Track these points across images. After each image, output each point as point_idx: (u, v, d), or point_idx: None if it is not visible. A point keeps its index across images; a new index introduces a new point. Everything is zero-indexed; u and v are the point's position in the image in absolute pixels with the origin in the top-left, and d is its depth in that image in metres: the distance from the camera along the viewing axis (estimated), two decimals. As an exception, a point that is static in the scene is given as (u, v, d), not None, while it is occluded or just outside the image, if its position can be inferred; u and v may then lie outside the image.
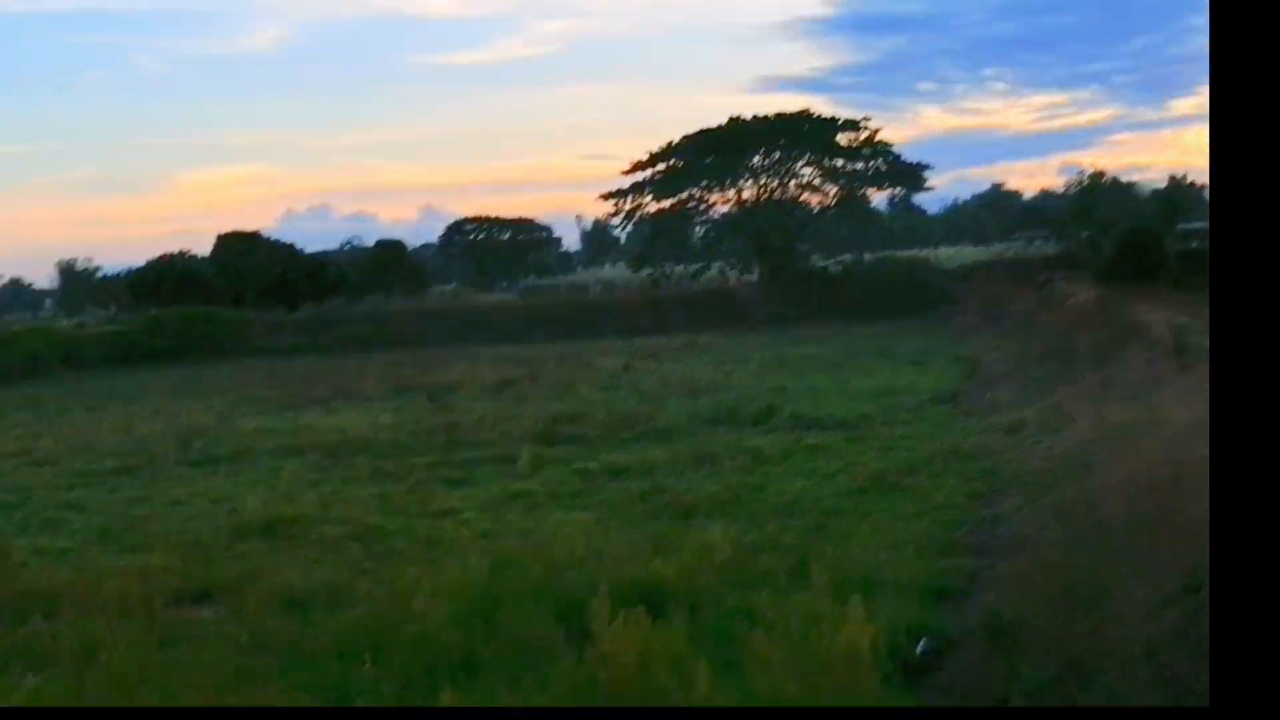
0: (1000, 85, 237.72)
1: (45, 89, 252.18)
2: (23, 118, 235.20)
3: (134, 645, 14.89)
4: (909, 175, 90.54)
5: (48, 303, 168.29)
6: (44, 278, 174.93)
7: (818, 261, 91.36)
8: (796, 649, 12.49)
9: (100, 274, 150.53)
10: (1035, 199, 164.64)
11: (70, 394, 57.59)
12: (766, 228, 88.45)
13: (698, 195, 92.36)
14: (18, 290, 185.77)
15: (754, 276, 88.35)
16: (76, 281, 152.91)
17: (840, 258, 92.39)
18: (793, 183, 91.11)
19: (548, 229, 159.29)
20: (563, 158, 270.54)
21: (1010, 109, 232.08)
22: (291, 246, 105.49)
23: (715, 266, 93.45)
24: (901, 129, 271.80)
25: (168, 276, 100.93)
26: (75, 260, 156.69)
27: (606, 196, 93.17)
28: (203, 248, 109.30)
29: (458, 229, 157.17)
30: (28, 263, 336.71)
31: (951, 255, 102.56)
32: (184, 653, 15.02)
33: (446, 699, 11.73)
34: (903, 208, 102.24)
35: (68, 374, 68.60)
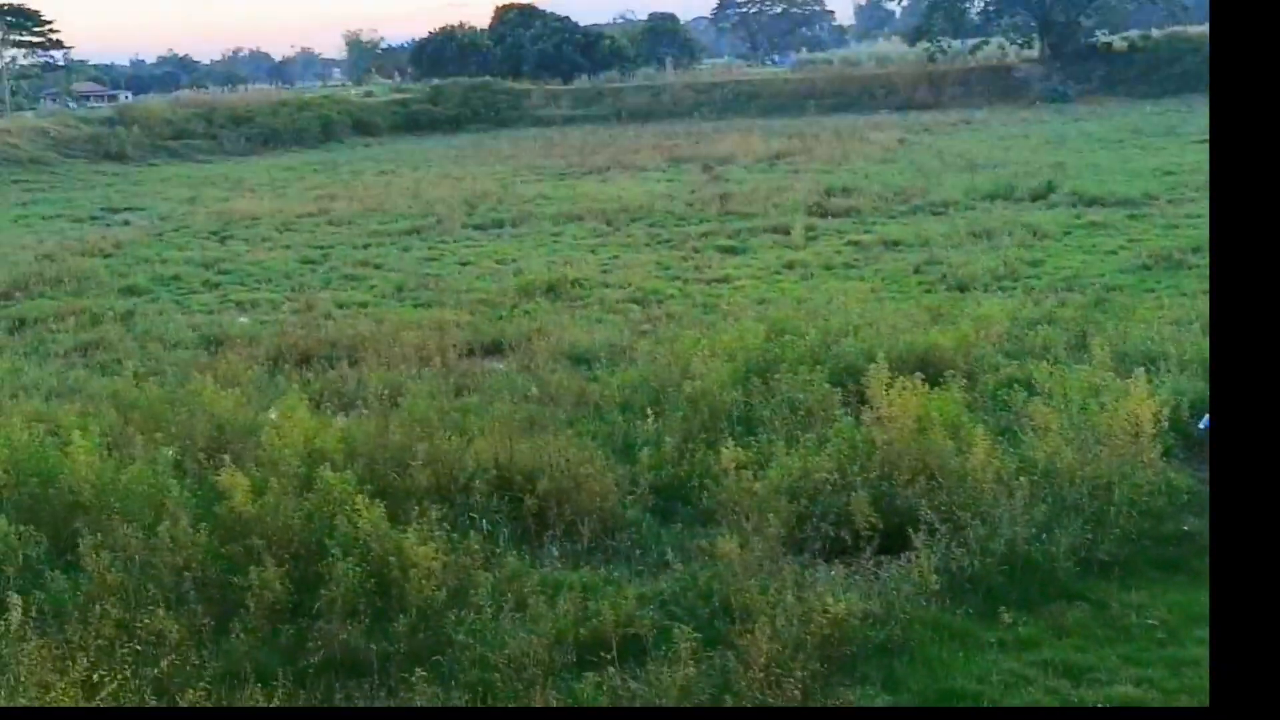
0: None
1: None
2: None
3: (432, 392, 15.77)
4: None
5: (335, 72, 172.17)
6: (331, 48, 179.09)
7: (1102, 37, 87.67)
8: (1075, 419, 12.48)
9: (384, 44, 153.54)
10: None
11: (361, 158, 59.94)
12: (1049, 1, 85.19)
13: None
14: (307, 59, 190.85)
15: (1034, 52, 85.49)
16: (362, 51, 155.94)
17: (1126, 33, 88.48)
18: None
19: (820, 2, 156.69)
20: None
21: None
22: (567, 18, 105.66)
23: (994, 41, 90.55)
24: None
25: (448, 47, 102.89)
26: (360, 31, 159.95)
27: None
28: (481, 20, 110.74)
29: (729, 2, 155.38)
30: (316, 32, 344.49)
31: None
32: (478, 400, 15.77)
33: (726, 453, 12.07)
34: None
35: (358, 139, 71.02)
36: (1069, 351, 16.17)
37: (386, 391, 15.70)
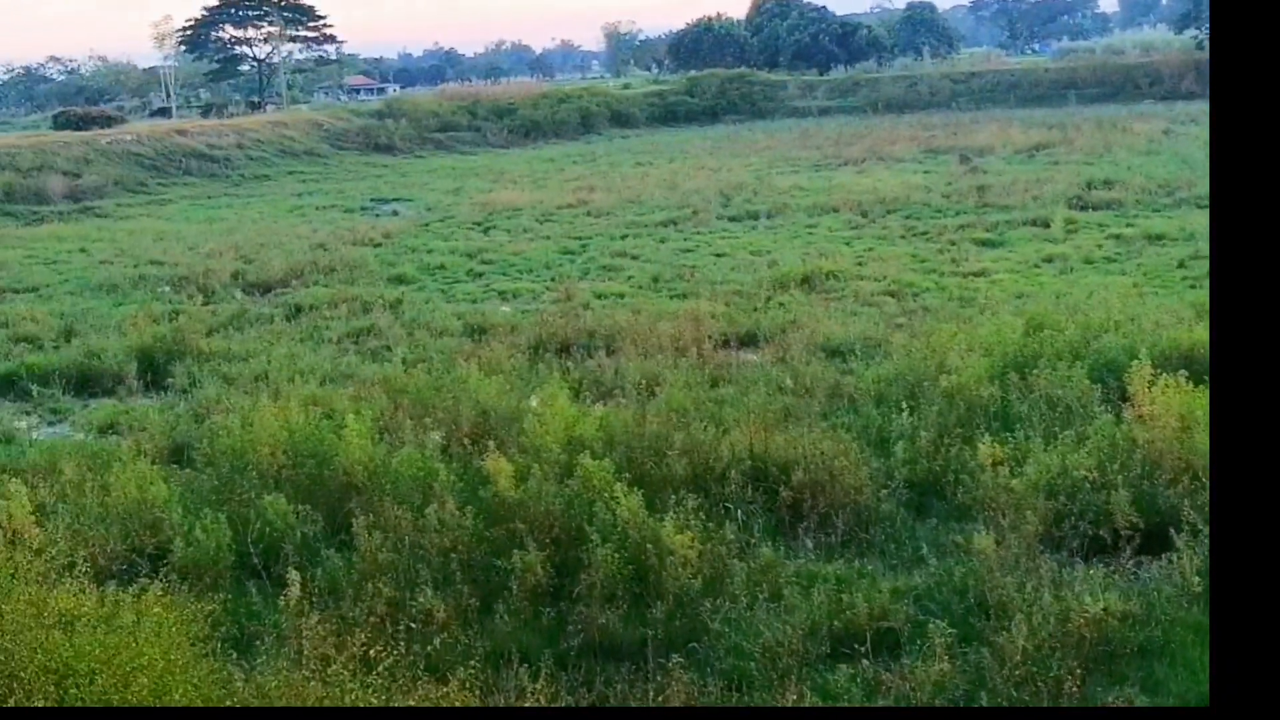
0: None
1: None
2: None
3: (689, 383, 15.94)
4: None
5: (594, 64, 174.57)
6: (590, 40, 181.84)
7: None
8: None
9: (641, 36, 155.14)
10: None
11: (618, 150, 60.90)
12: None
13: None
14: (567, 52, 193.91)
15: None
16: (620, 43, 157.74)
17: None
18: None
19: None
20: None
21: None
22: (823, 9, 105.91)
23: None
24: None
25: (705, 39, 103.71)
26: (618, 23, 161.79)
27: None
28: (738, 11, 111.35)
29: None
30: (575, 24, 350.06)
31: None
32: (733, 392, 15.87)
33: (983, 448, 12.07)
34: None
35: (615, 131, 72.12)
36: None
37: (644, 381, 16.01)
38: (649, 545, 10.42)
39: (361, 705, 7.75)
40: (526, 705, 8.54)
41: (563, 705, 8.83)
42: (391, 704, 7.98)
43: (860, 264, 25.76)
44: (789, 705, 8.53)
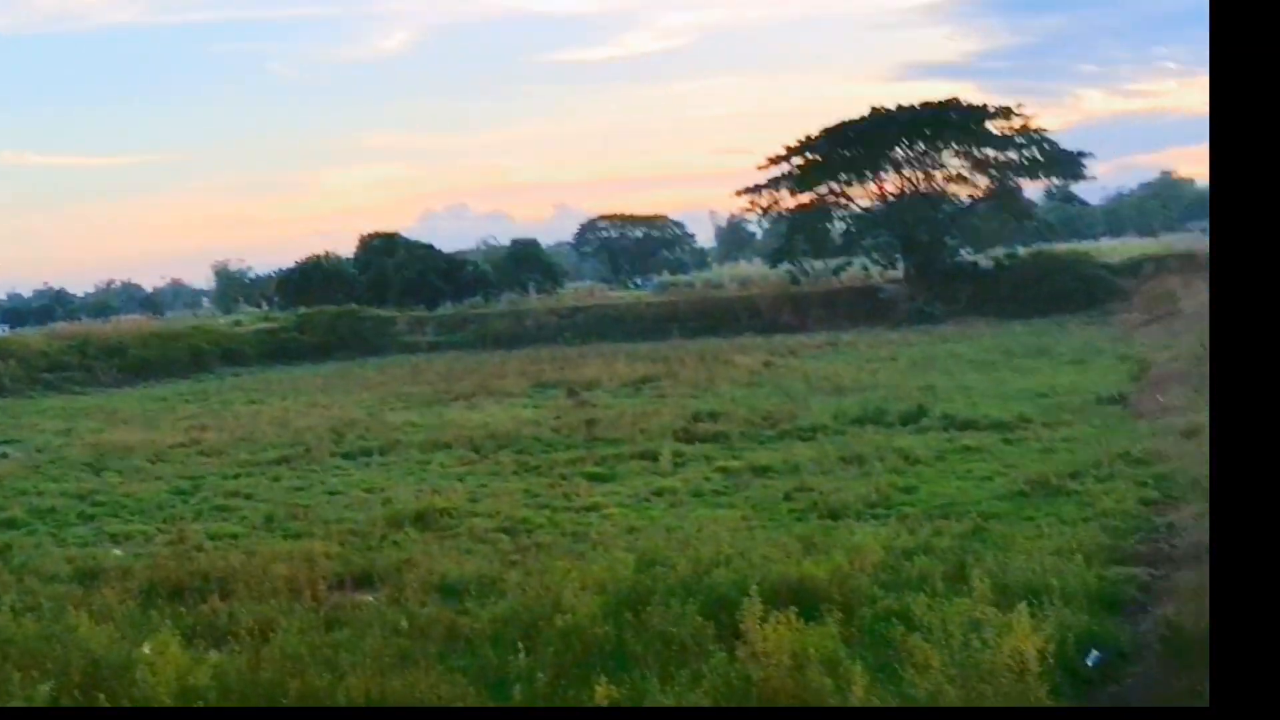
0: (1172, 64, 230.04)
1: (193, 98, 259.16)
2: (171, 126, 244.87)
3: (303, 627, 15.40)
4: (1067, 164, 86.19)
5: (205, 301, 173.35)
6: (200, 278, 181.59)
7: (967, 256, 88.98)
8: (957, 655, 12.13)
9: (251, 274, 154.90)
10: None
11: (230, 387, 60.10)
12: (911, 221, 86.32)
13: (838, 189, 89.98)
14: (177, 290, 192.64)
15: (899, 272, 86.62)
16: (230, 281, 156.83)
17: (992, 252, 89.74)
18: (939, 174, 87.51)
19: (681, 225, 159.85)
20: (696, 154, 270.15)
21: (1183, 89, 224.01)
22: (430, 246, 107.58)
23: (857, 262, 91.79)
24: (1060, 114, 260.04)
25: (314, 276, 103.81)
26: (228, 261, 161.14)
27: (742, 192, 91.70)
28: (346, 248, 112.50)
29: (591, 227, 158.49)
30: (185, 264, 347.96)
31: (1115, 248, 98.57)
32: (349, 635, 15.37)
33: (601, 691, 11.78)
34: (1061, 199, 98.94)
35: (227, 368, 71.08)
36: (947, 583, 15.76)
37: (257, 626, 15.39)
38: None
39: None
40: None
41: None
42: None
43: (474, 500, 25.43)
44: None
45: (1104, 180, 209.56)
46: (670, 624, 14.01)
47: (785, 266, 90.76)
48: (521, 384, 49.72)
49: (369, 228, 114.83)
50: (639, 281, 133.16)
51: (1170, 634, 13.44)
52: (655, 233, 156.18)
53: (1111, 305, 70.68)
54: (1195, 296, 58.40)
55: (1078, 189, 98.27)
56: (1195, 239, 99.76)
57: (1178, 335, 49.41)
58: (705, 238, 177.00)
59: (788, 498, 23.85)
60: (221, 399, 53.27)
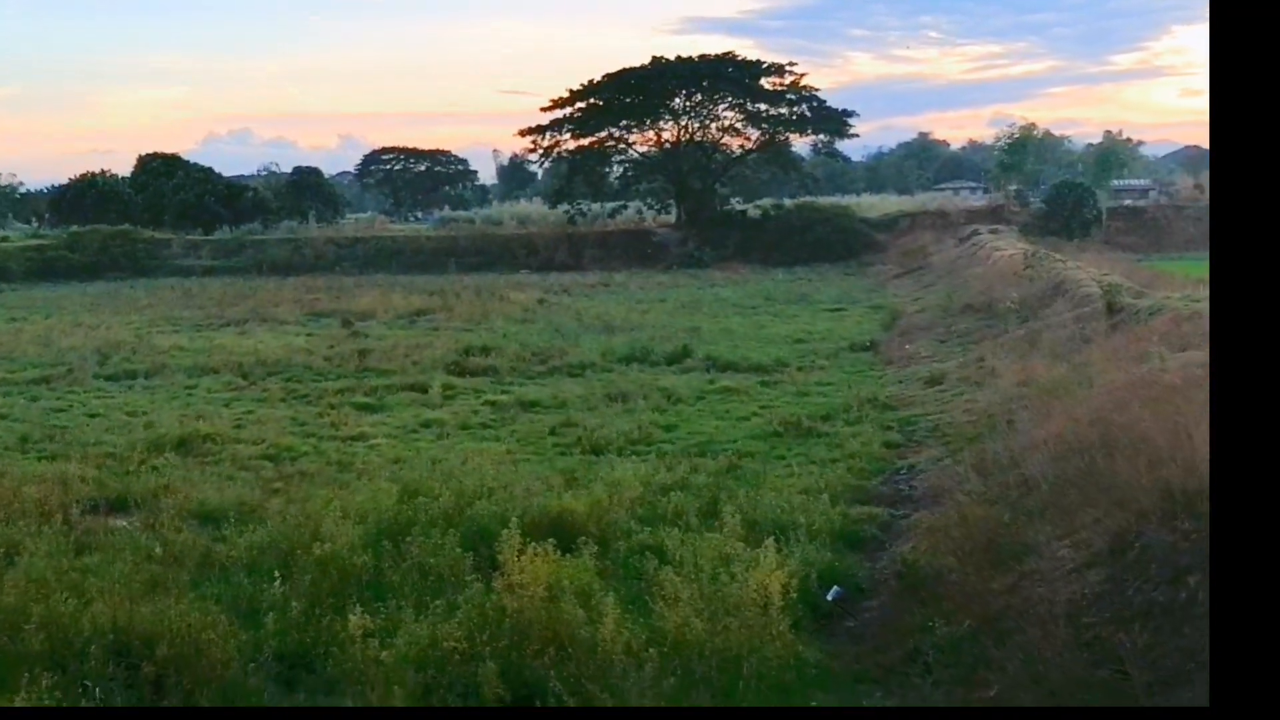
0: (935, 34, 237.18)
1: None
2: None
3: (51, 551, 14.98)
4: (833, 121, 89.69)
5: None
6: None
7: (737, 205, 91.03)
8: (706, 589, 12.52)
9: (23, 189, 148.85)
10: (963, 150, 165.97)
11: (-7, 304, 57.37)
12: (685, 169, 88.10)
13: (617, 134, 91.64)
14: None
15: (671, 218, 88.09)
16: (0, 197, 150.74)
17: (760, 202, 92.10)
18: (714, 125, 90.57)
19: (464, 162, 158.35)
20: (481, 92, 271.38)
21: (944, 58, 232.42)
22: (210, 170, 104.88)
23: (632, 206, 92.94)
24: (830, 74, 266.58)
25: (88, 194, 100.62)
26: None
27: (525, 132, 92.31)
28: (123, 168, 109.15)
29: (375, 158, 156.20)
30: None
31: (874, 204, 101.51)
32: (99, 560, 15.04)
33: (353, 620, 11.80)
34: (826, 154, 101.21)
35: (-11, 285, 68.14)
36: (701, 518, 16.26)
37: (3, 549, 15.05)
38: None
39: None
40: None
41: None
42: None
43: (239, 426, 25.17)
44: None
45: (866, 139, 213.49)
46: (429, 554, 14.13)
47: (564, 207, 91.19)
48: (296, 312, 49.23)
49: (150, 149, 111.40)
50: (420, 215, 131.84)
51: (905, 570, 14.09)
52: (438, 167, 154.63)
53: (869, 257, 73.00)
54: (944, 252, 60.62)
55: (842, 146, 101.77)
56: (946, 198, 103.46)
57: (928, 287, 51.33)
58: (488, 175, 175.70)
59: (553, 433, 24.20)
60: (-19, 316, 51.20)
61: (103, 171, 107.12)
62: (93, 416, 27.05)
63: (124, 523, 17.65)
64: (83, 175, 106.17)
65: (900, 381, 29.45)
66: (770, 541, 13.09)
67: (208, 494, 18.84)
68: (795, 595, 12.45)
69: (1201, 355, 16.88)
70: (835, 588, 14.17)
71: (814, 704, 11.37)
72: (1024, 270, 40.35)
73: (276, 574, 13.87)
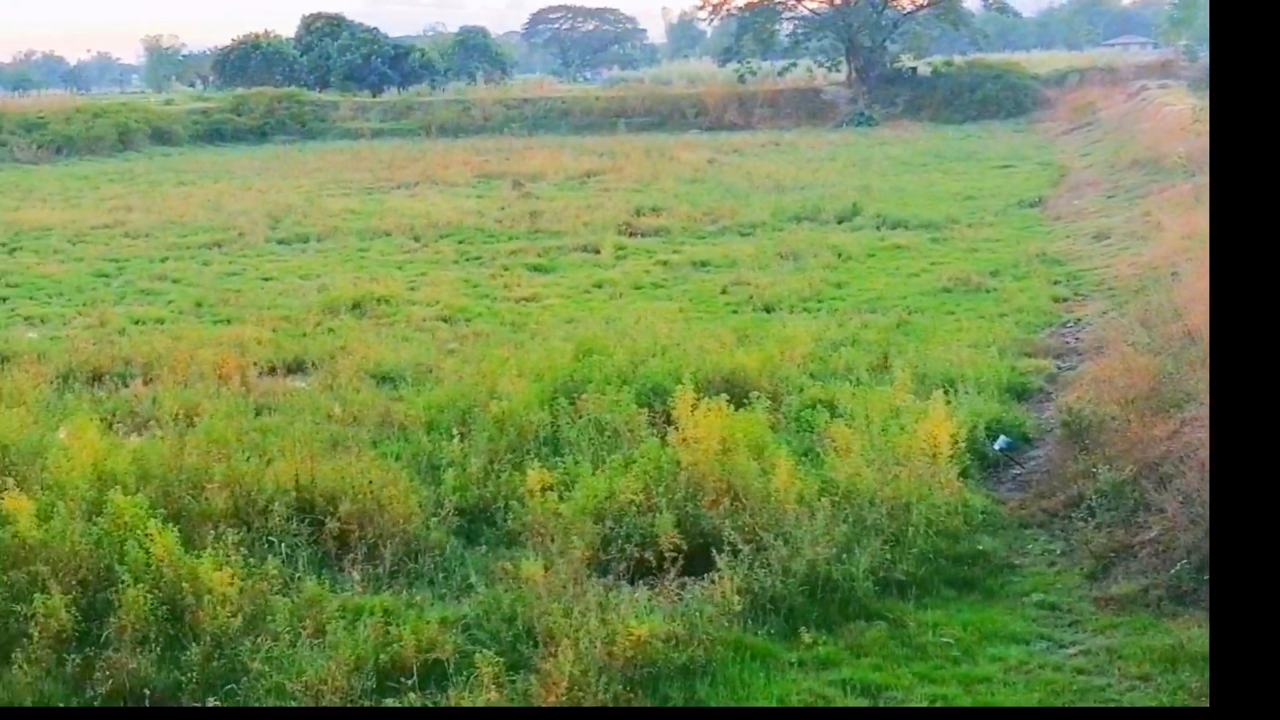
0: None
1: None
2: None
3: (230, 413, 15.38)
4: None
5: (134, 78, 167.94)
6: (130, 54, 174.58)
7: (907, 62, 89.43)
8: (876, 440, 12.70)
9: (186, 52, 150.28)
10: (1134, 5, 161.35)
11: (160, 168, 58.26)
12: (855, 26, 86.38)
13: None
14: (104, 65, 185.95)
15: (841, 75, 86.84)
16: (162, 58, 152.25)
17: (929, 59, 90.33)
18: None
19: (633, 20, 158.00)
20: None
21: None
22: (376, 30, 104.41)
23: (802, 64, 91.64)
24: None
25: (252, 56, 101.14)
26: (160, 37, 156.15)
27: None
28: (286, 29, 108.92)
29: (542, 17, 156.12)
30: (113, 38, 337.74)
31: (1044, 60, 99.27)
32: (279, 421, 15.45)
33: (532, 474, 12.06)
34: (996, 9, 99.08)
35: (156, 148, 68.84)
36: (871, 373, 16.40)
37: (182, 412, 15.27)
38: (184, 584, 9.97)
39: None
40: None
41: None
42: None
43: (413, 289, 25.56)
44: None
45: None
46: (605, 411, 14.31)
47: (733, 66, 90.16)
48: (465, 174, 49.28)
49: (314, 8, 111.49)
50: (588, 75, 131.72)
51: (1069, 419, 14.14)
52: (607, 26, 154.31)
53: (1037, 114, 71.32)
54: (1114, 108, 59.11)
55: (1013, 1, 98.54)
56: (1116, 54, 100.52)
57: (1096, 143, 50.21)
58: (656, 34, 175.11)
59: (724, 291, 24.33)
60: (150, 179, 51.92)
61: (266, 32, 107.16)
62: (266, 280, 27.43)
63: (301, 384, 18.09)
64: (246, 36, 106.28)
65: (1067, 236, 29.16)
66: (939, 394, 13.24)
67: (384, 355, 19.16)
68: (963, 445, 12.66)
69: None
70: (1002, 437, 14.30)
71: (980, 548, 11.57)
72: (1192, 124, 39.27)
73: (455, 432, 14.26)
